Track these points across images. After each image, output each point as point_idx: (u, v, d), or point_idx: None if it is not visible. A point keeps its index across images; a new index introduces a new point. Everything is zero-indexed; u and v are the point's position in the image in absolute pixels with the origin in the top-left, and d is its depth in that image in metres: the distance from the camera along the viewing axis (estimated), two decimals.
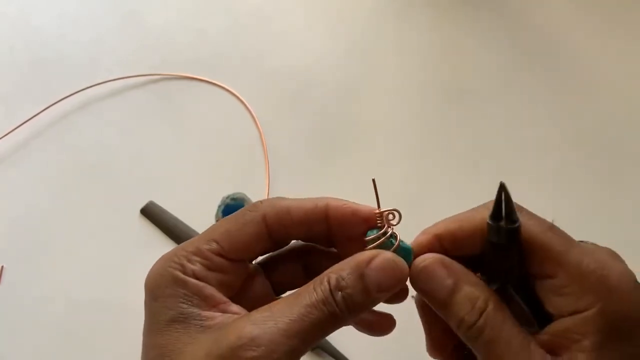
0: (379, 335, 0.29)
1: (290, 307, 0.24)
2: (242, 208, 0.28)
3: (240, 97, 0.67)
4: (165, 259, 0.26)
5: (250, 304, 0.27)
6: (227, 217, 0.28)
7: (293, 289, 0.29)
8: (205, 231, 0.27)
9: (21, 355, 0.51)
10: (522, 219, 0.25)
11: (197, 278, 0.26)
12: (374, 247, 0.26)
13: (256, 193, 0.58)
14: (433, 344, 0.29)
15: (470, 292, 0.24)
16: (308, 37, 0.74)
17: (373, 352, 0.49)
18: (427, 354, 0.30)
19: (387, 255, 0.25)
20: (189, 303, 0.25)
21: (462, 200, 0.60)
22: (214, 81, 0.68)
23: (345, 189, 0.60)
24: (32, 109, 0.64)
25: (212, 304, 0.26)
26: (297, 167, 0.62)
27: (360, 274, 0.25)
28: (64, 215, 0.58)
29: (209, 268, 0.26)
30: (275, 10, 0.76)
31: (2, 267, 0.55)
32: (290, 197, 0.29)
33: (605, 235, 0.55)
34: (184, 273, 0.26)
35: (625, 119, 0.66)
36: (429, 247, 0.27)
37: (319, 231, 0.28)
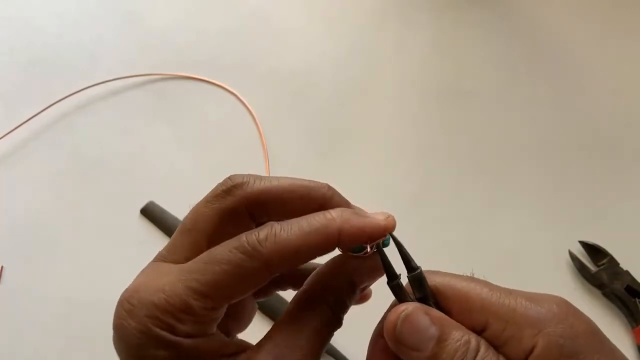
0: (360, 304, 0.29)
1: (296, 339, 0.23)
2: (240, 244, 0.23)
3: (240, 97, 0.67)
4: (143, 311, 0.22)
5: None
6: (220, 254, 0.23)
7: None
8: (190, 269, 0.23)
9: (21, 355, 0.51)
10: (439, 277, 0.24)
11: (190, 337, 0.23)
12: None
13: None
14: None
15: (460, 336, 0.22)
16: (308, 37, 0.74)
17: None
18: None
19: (376, 262, 0.25)
20: None
21: (462, 200, 0.61)
22: (214, 81, 0.68)
23: (345, 189, 0.60)
24: (32, 109, 0.64)
25: (211, 355, 0.23)
26: (297, 166, 0.62)
27: (352, 283, 0.25)
28: (63, 215, 0.58)
29: (201, 324, 0.23)
30: (275, 10, 0.76)
31: (2, 267, 0.55)
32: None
33: (605, 234, 0.56)
34: (176, 334, 0.22)
35: (625, 118, 0.66)
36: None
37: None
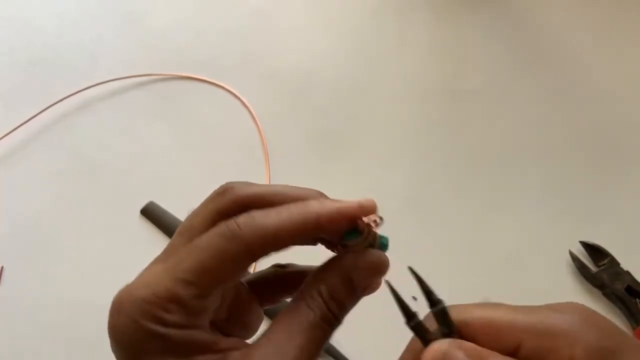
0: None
1: (291, 334, 0.23)
2: (220, 230, 0.24)
3: (240, 97, 0.67)
4: (133, 308, 0.23)
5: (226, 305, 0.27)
6: (201, 240, 0.24)
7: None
8: (175, 260, 0.24)
9: (21, 355, 0.51)
10: (457, 309, 0.23)
11: (179, 327, 0.23)
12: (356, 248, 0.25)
13: None
14: None
15: None
16: (308, 37, 0.74)
17: (373, 353, 0.49)
18: None
19: (372, 256, 0.25)
20: (175, 355, 0.23)
21: (463, 201, 0.61)
22: (214, 81, 0.68)
23: (345, 188, 0.60)
24: (32, 109, 0.64)
25: (203, 347, 0.23)
26: (297, 166, 0.62)
27: (348, 279, 0.25)
28: (63, 215, 0.58)
29: (190, 314, 0.23)
30: (275, 10, 0.76)
31: (2, 267, 0.55)
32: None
33: (606, 235, 0.56)
34: (165, 325, 0.22)
35: (625, 118, 0.66)
36: None
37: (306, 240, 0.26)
